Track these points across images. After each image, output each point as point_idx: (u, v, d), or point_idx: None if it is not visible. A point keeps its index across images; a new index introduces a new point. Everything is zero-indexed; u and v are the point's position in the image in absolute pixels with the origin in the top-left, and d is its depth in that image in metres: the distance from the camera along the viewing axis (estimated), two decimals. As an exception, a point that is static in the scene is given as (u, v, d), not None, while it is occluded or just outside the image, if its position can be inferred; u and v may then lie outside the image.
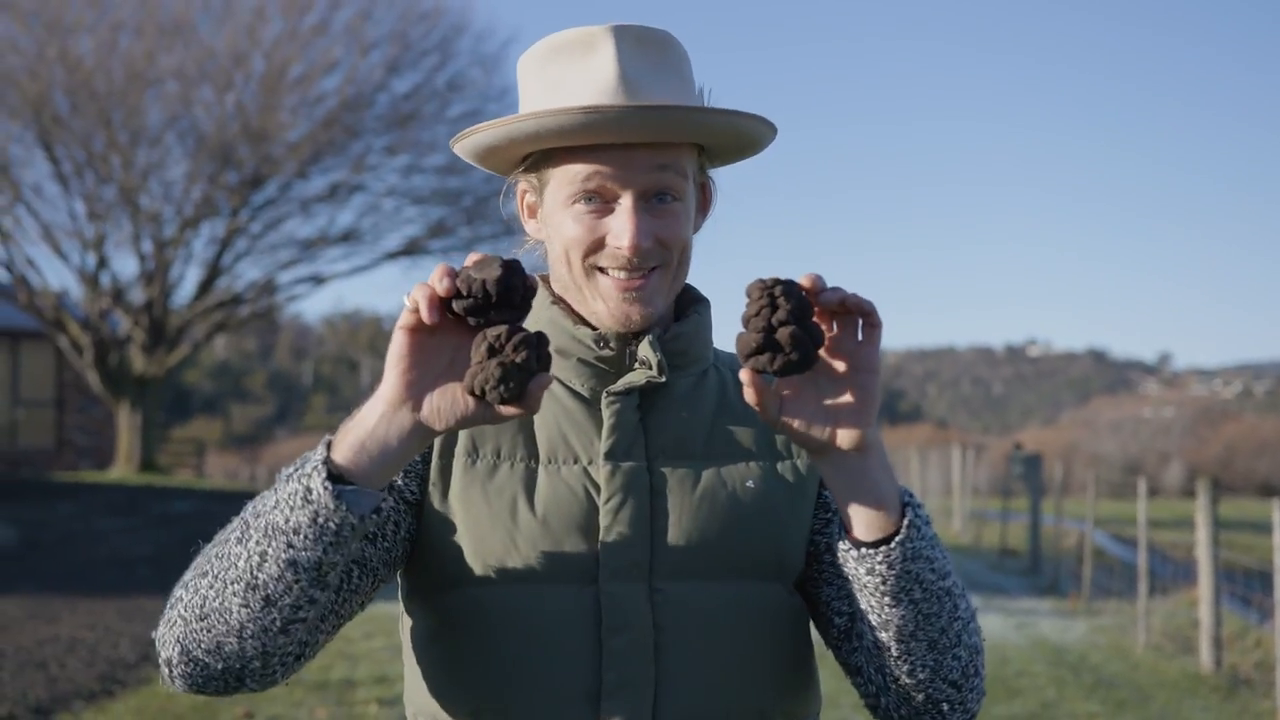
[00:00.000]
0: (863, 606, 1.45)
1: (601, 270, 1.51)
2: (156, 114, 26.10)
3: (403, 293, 1.32)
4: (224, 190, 26.76)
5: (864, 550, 1.40)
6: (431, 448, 1.54)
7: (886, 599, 1.41)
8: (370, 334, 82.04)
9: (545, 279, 1.64)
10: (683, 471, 1.53)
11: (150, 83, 25.51)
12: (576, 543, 1.48)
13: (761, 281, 1.31)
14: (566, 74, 1.50)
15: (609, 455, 1.51)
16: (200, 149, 26.13)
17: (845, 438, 1.35)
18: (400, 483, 1.52)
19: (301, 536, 1.32)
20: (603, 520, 1.49)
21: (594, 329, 1.56)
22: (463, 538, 1.51)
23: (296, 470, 1.35)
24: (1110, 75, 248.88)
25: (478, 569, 1.50)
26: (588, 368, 1.55)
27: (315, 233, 28.94)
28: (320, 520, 1.31)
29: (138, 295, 27.70)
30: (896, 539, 1.39)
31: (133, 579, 11.96)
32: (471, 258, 1.31)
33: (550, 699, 1.45)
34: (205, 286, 28.10)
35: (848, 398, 1.35)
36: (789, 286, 1.31)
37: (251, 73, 26.44)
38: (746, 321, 1.31)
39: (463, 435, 1.54)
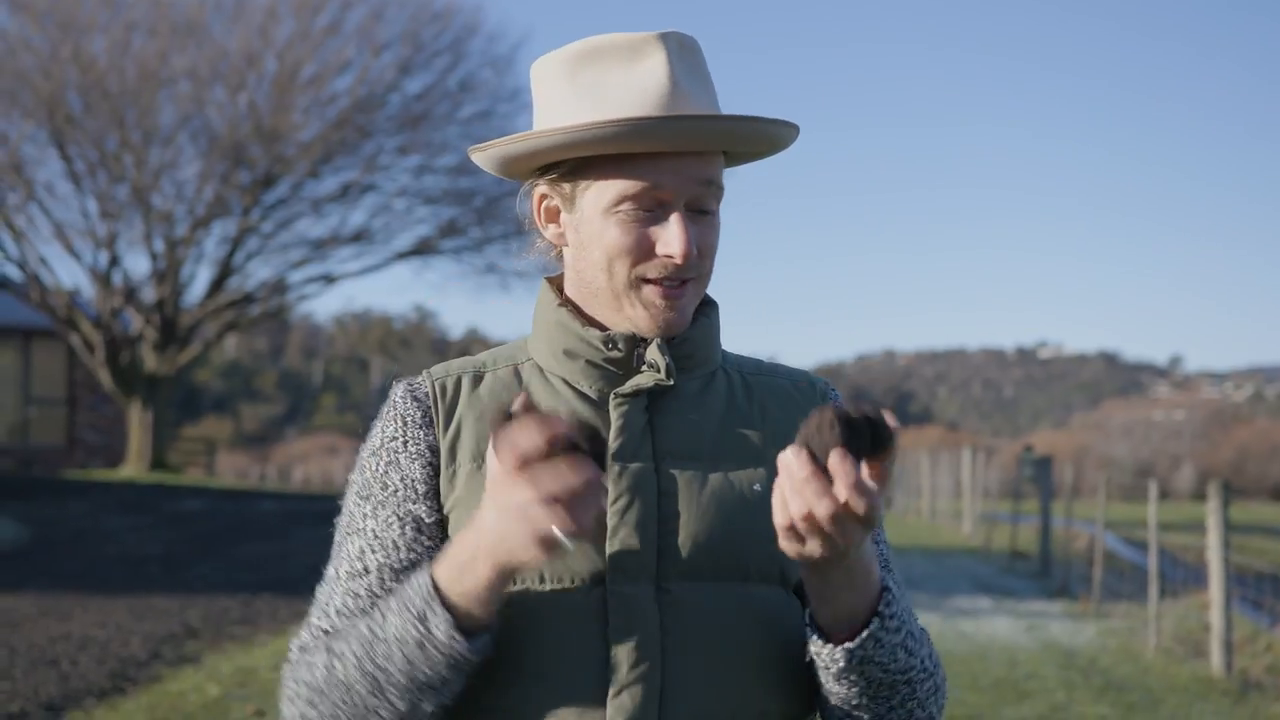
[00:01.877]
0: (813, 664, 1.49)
1: (646, 280, 1.52)
2: (169, 113, 26.20)
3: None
4: (236, 190, 26.83)
5: (815, 636, 1.45)
6: (439, 459, 1.56)
7: (830, 678, 1.46)
8: (380, 334, 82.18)
9: (552, 280, 1.64)
10: (690, 473, 1.53)
11: (163, 82, 25.58)
12: (583, 544, 1.48)
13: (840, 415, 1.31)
14: (609, 80, 1.50)
15: (616, 456, 1.51)
16: (212, 148, 26.20)
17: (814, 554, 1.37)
18: (424, 511, 1.54)
19: (447, 687, 1.44)
20: (610, 521, 1.49)
21: (602, 330, 1.56)
22: None
23: (424, 633, 1.40)
24: (1123, 79, 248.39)
25: None
26: (596, 369, 1.56)
27: (326, 232, 29.02)
28: (460, 667, 1.42)
29: (149, 294, 27.78)
30: (844, 645, 1.43)
31: (143, 577, 11.99)
32: (525, 420, 1.32)
33: (557, 700, 1.46)
34: (216, 285, 28.17)
35: None
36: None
37: (264, 73, 26.51)
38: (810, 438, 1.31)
39: (469, 441, 1.55)
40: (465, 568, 1.39)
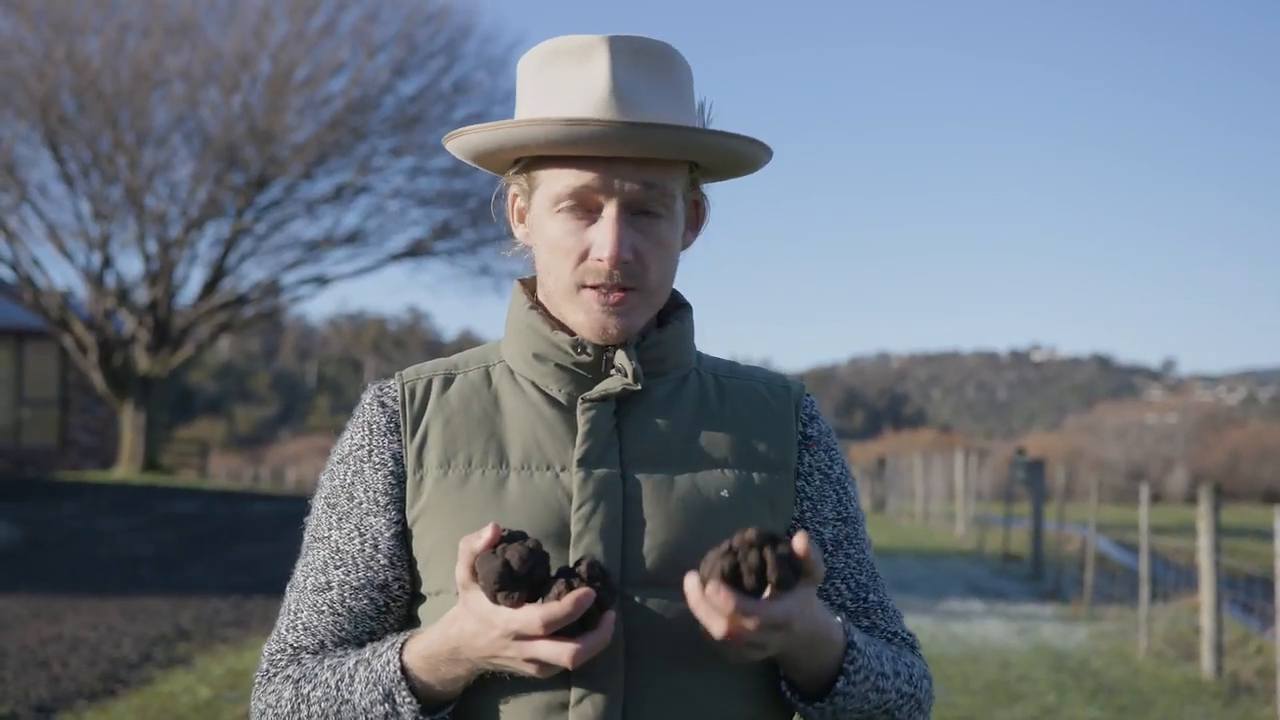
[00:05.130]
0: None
1: (585, 285, 1.52)
2: (163, 115, 26.18)
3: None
4: (229, 191, 26.82)
5: (788, 692, 1.52)
6: (405, 466, 1.56)
7: None
8: (374, 335, 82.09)
9: (524, 282, 1.64)
10: (657, 479, 1.53)
11: (157, 83, 25.56)
12: (547, 550, 1.46)
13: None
14: (560, 81, 1.51)
15: (582, 462, 1.51)
16: (206, 150, 26.18)
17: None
18: (385, 524, 1.55)
19: None
20: (574, 527, 1.49)
21: (572, 334, 1.56)
22: (441, 548, 1.52)
23: (391, 710, 1.45)
24: (1116, 80, 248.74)
25: (450, 578, 1.50)
26: (564, 373, 1.56)
27: (320, 234, 29.01)
28: None
29: (142, 295, 27.76)
30: (815, 704, 1.50)
31: (135, 579, 11.98)
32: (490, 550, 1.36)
33: (521, 708, 1.46)
34: (210, 287, 28.14)
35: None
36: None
37: (258, 74, 26.50)
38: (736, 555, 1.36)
39: (435, 447, 1.56)
40: (440, 664, 1.43)
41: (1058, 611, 12.53)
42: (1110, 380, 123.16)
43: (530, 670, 1.37)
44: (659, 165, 1.51)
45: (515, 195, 1.60)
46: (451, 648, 1.41)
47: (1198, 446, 52.58)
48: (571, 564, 1.43)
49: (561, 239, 1.51)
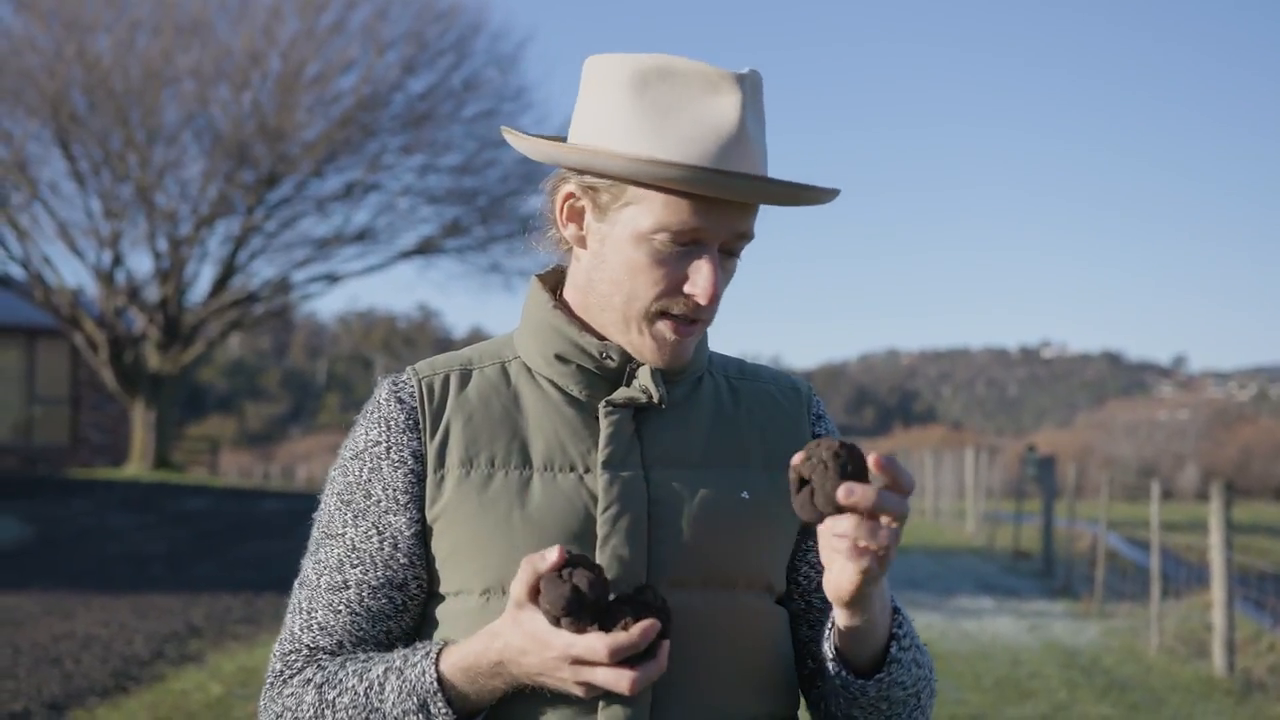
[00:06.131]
0: (830, 689, 1.55)
1: (663, 314, 1.51)
2: (173, 112, 26.23)
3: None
4: (240, 189, 26.85)
5: (842, 670, 1.50)
6: (425, 464, 1.55)
7: (854, 706, 1.52)
8: (384, 333, 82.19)
9: (543, 278, 1.63)
10: (679, 481, 1.54)
11: (167, 81, 25.60)
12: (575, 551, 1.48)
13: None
14: (679, 108, 1.47)
15: (606, 464, 1.52)
16: (216, 147, 26.22)
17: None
18: (404, 523, 1.54)
19: None
20: (600, 529, 1.49)
21: (597, 337, 1.56)
22: (462, 548, 1.52)
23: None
24: (1126, 79, 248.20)
25: (477, 578, 1.51)
26: (586, 375, 1.56)
27: (330, 231, 29.06)
28: None
29: (153, 293, 27.82)
30: (875, 678, 1.49)
31: (147, 576, 12.01)
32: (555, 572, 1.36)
33: (550, 707, 1.46)
34: (220, 284, 28.19)
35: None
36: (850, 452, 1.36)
37: (268, 72, 26.52)
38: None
39: (457, 445, 1.55)
40: (481, 676, 1.43)
41: (1069, 608, 12.51)
42: (1121, 377, 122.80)
43: (579, 692, 1.38)
44: (754, 210, 1.52)
45: (571, 195, 1.55)
46: (495, 662, 1.41)
47: (1209, 443, 52.41)
48: (632, 589, 1.44)
49: (651, 267, 1.49)
